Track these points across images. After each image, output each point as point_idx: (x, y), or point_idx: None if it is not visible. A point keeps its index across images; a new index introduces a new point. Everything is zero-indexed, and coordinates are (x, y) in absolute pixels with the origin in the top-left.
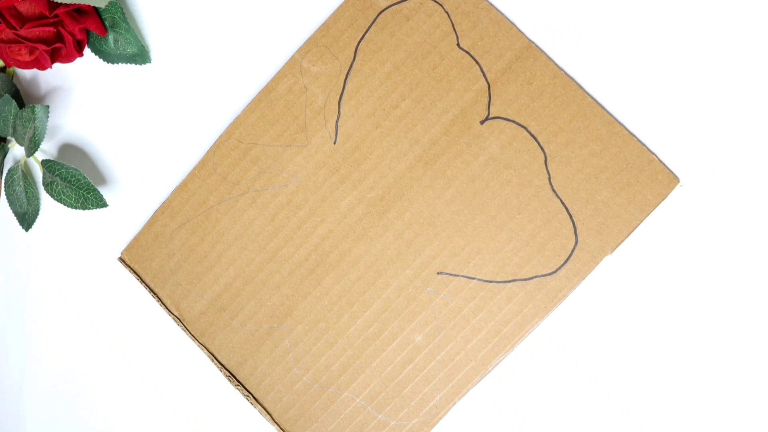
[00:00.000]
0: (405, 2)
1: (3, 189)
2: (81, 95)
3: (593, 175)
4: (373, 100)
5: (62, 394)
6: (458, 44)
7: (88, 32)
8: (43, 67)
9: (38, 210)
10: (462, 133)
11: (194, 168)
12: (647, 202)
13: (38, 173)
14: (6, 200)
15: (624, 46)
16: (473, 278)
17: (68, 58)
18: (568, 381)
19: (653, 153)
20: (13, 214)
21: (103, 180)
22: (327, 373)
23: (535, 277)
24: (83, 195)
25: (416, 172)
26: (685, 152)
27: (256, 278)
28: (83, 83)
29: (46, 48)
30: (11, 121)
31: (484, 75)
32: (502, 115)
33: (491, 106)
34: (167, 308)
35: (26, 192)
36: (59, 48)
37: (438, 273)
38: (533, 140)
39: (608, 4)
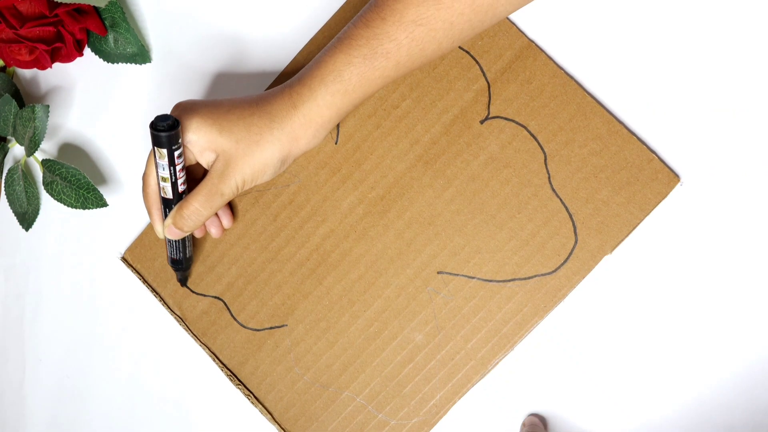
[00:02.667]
0: None
1: (3, 189)
2: (81, 95)
3: (593, 174)
4: (373, 101)
5: (63, 393)
6: None
7: (88, 32)
8: (43, 67)
9: (38, 210)
10: (462, 133)
11: None
12: (647, 201)
13: (38, 173)
14: (6, 200)
15: (624, 45)
16: (473, 277)
17: (68, 58)
18: (567, 380)
19: (653, 152)
20: (13, 214)
21: (103, 180)
22: (327, 373)
23: (535, 276)
24: (83, 195)
25: (416, 171)
26: (685, 151)
27: (258, 278)
28: (83, 83)
29: (46, 48)
30: (11, 120)
31: (484, 74)
32: (502, 115)
33: (491, 106)
34: (169, 308)
35: (26, 192)
36: (59, 48)
37: (438, 272)
38: (533, 139)
39: (608, 4)
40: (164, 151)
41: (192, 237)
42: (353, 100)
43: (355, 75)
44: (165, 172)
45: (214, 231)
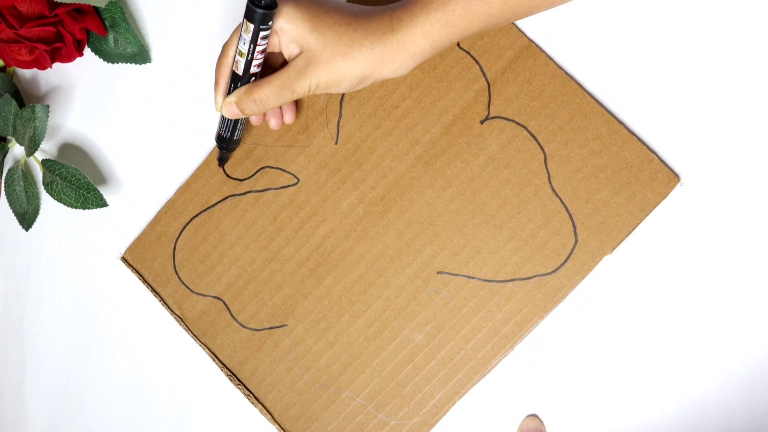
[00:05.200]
0: None
1: (3, 189)
2: (81, 95)
3: (593, 175)
4: (374, 101)
5: (63, 393)
6: (458, 44)
7: (88, 32)
8: (43, 67)
9: (38, 210)
10: (462, 133)
11: (197, 168)
12: (647, 201)
13: (38, 173)
14: (6, 200)
15: (624, 45)
16: (473, 277)
17: (68, 58)
18: (567, 380)
19: (653, 152)
20: (13, 214)
21: (103, 180)
22: (327, 373)
23: (535, 276)
24: (83, 195)
25: (416, 171)
26: (685, 151)
27: (257, 278)
28: (83, 83)
29: (46, 48)
30: (11, 120)
31: (484, 75)
32: (502, 115)
33: (491, 106)
34: (169, 308)
35: (26, 192)
36: (59, 48)
37: (438, 272)
38: (533, 140)
39: (608, 4)
40: (251, 26)
41: (246, 121)
42: (452, 34)
43: (460, 6)
44: (244, 47)
45: (273, 122)
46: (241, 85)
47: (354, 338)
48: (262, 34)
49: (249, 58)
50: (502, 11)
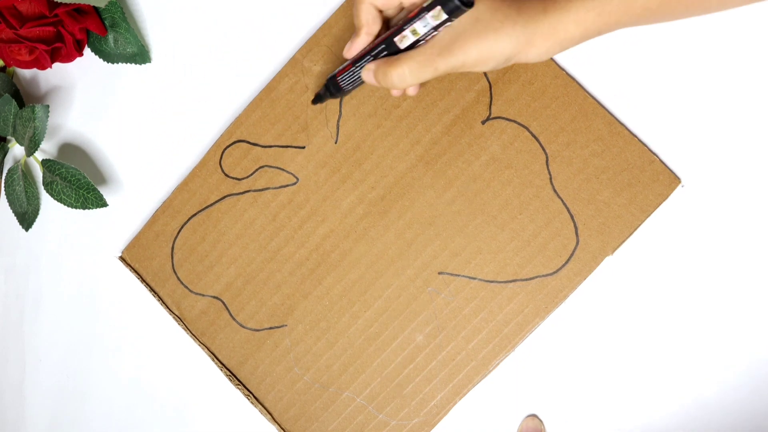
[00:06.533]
0: None
1: (3, 189)
2: (81, 95)
3: (594, 176)
4: (374, 100)
5: (63, 393)
6: None
7: (88, 32)
8: (43, 67)
9: (38, 210)
10: (463, 133)
11: (195, 167)
12: (648, 202)
13: (38, 173)
14: (6, 200)
15: (625, 47)
16: (474, 278)
17: (68, 58)
18: (568, 381)
19: (655, 153)
20: (13, 214)
21: (103, 180)
22: (327, 373)
23: (536, 277)
24: (83, 195)
25: (417, 172)
26: (686, 153)
27: (257, 278)
28: (83, 83)
29: (46, 48)
30: (11, 120)
31: (486, 75)
32: (504, 115)
33: (492, 106)
34: (168, 307)
35: (26, 192)
36: (59, 48)
37: (439, 273)
38: (534, 140)
39: None
40: (444, 16)
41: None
42: (604, 24)
43: None
44: (423, 29)
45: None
46: (387, 55)
47: (354, 338)
48: (447, 24)
49: (420, 38)
50: (660, 6)
